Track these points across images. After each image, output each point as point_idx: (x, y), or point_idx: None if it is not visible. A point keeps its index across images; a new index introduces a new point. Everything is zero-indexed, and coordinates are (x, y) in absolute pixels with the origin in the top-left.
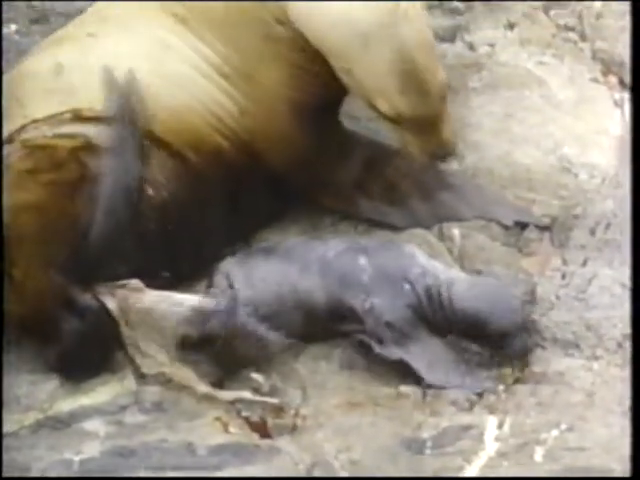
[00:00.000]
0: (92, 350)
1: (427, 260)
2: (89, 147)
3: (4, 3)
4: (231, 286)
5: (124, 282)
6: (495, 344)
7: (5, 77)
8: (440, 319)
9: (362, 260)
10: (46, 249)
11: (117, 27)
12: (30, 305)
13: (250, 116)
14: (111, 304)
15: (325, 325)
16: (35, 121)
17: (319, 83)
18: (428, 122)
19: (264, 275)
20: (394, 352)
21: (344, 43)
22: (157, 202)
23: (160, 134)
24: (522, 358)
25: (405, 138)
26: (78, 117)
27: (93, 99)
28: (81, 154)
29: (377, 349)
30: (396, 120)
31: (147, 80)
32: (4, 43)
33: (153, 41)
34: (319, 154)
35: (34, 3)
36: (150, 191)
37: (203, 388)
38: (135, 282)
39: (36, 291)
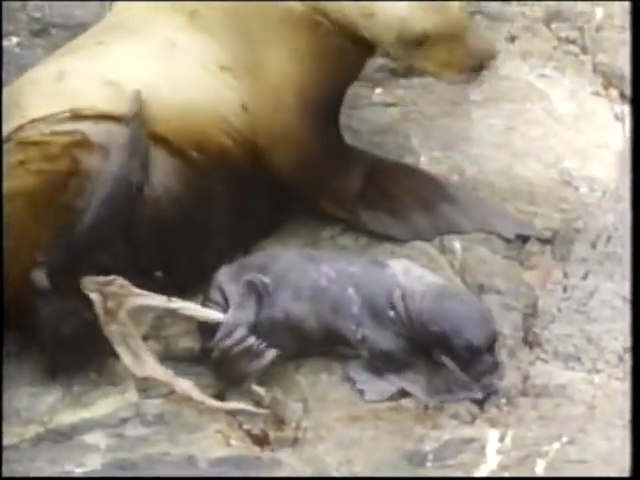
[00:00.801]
0: (76, 344)
1: (407, 276)
2: (84, 143)
3: (5, 15)
4: (226, 301)
5: (111, 278)
6: (461, 360)
7: (7, 89)
8: (421, 337)
9: (350, 290)
10: (33, 234)
11: (126, 32)
12: (13, 290)
13: (255, 112)
14: (96, 300)
15: (320, 347)
16: (33, 121)
17: (327, 70)
18: (453, 35)
19: None
20: (394, 382)
21: None
22: (153, 200)
23: (163, 133)
24: (489, 376)
25: (437, 59)
26: (77, 115)
27: (93, 100)
28: (75, 150)
29: (376, 383)
30: (423, 41)
31: (151, 80)
32: (5, 56)
33: (159, 41)
34: (322, 155)
35: (35, 15)
36: (148, 189)
37: (204, 400)
38: (121, 281)
39: (20, 275)
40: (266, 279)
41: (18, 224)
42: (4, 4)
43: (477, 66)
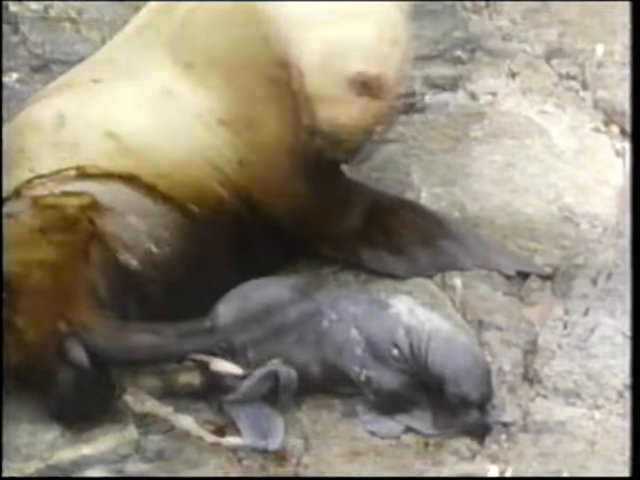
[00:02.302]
0: (90, 399)
1: (411, 316)
2: (95, 205)
3: (5, 51)
4: (231, 348)
5: None
6: (451, 409)
7: (8, 125)
8: (424, 374)
9: (354, 332)
10: (58, 305)
11: (120, 74)
12: (29, 354)
13: (250, 166)
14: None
15: (321, 386)
16: (40, 176)
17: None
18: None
19: (259, 341)
20: (401, 420)
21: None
22: (161, 259)
23: (163, 189)
24: (475, 433)
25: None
26: (82, 174)
27: (96, 154)
28: (89, 213)
29: (384, 422)
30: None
31: (149, 132)
32: (5, 92)
33: (156, 89)
34: (320, 206)
35: (36, 51)
36: (154, 248)
37: (204, 436)
38: None
39: (37, 341)
40: (292, 373)
41: (41, 293)
42: (4, 40)
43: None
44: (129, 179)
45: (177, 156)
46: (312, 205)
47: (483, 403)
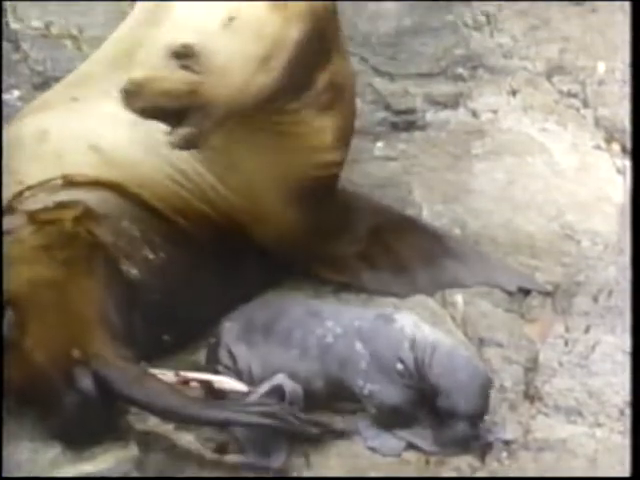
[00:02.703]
0: (93, 421)
1: (416, 328)
2: (89, 214)
3: (6, 68)
4: (235, 364)
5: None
6: (440, 420)
7: None
8: (425, 387)
9: (358, 345)
10: (65, 326)
11: (100, 92)
12: (34, 375)
13: (235, 192)
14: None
15: (324, 402)
16: (30, 187)
17: (307, 166)
18: None
19: (264, 357)
20: (402, 436)
21: None
22: (157, 265)
23: (147, 198)
24: (459, 446)
25: None
26: (69, 182)
27: (80, 164)
28: (86, 223)
29: (386, 438)
30: None
31: (130, 147)
32: (6, 109)
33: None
34: (313, 230)
35: (37, 68)
36: (150, 255)
37: (205, 454)
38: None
39: (45, 363)
40: (298, 388)
41: (50, 314)
42: (5, 57)
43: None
44: (115, 187)
45: (158, 173)
46: (304, 230)
47: (473, 417)
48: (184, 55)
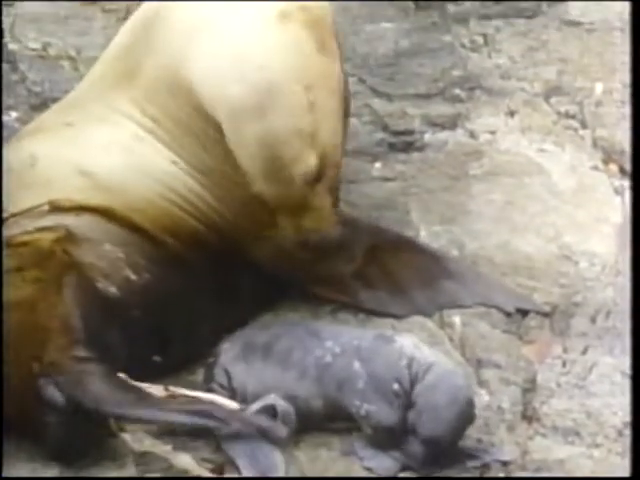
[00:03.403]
0: (83, 439)
1: (414, 348)
2: (70, 237)
3: (4, 89)
4: (230, 382)
5: None
6: (420, 443)
7: None
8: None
9: (356, 365)
10: (34, 346)
11: (91, 118)
12: (16, 401)
13: (227, 210)
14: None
15: (321, 422)
16: (14, 215)
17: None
18: (295, 207)
19: (261, 378)
20: (397, 457)
21: (219, 116)
22: (140, 286)
23: (139, 222)
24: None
25: (278, 220)
26: (56, 208)
27: (69, 189)
28: (64, 244)
29: (382, 458)
30: (265, 202)
31: (122, 171)
32: (4, 131)
33: (128, 134)
34: (306, 252)
35: (35, 89)
36: (132, 276)
37: (203, 474)
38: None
39: (18, 386)
40: (290, 408)
41: (19, 336)
42: (3, 78)
43: (314, 243)
44: (103, 212)
45: (151, 194)
46: (297, 253)
47: (432, 441)
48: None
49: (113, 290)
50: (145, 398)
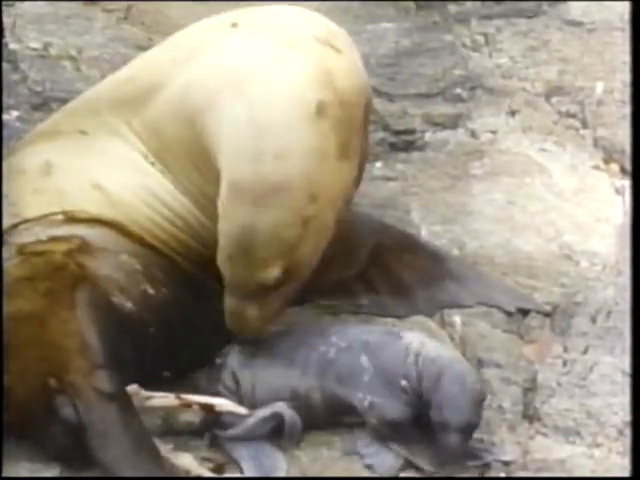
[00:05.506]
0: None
1: (421, 345)
2: (85, 248)
3: (5, 89)
4: (237, 385)
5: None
6: (434, 436)
7: None
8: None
9: (364, 359)
10: (43, 358)
11: (107, 130)
12: (20, 412)
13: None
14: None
15: (324, 418)
16: (27, 221)
17: None
18: (241, 294)
19: (267, 379)
20: (400, 452)
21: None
22: (157, 301)
23: (150, 240)
24: (453, 462)
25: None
26: (70, 218)
27: (82, 202)
28: (78, 256)
29: (384, 456)
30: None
31: (134, 192)
32: (5, 130)
33: (140, 155)
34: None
35: (36, 89)
36: (150, 290)
37: (203, 474)
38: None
39: (27, 400)
40: (298, 419)
41: (29, 349)
42: (4, 78)
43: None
44: (117, 226)
45: (158, 218)
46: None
47: (464, 429)
48: None
49: (129, 305)
50: (158, 459)
